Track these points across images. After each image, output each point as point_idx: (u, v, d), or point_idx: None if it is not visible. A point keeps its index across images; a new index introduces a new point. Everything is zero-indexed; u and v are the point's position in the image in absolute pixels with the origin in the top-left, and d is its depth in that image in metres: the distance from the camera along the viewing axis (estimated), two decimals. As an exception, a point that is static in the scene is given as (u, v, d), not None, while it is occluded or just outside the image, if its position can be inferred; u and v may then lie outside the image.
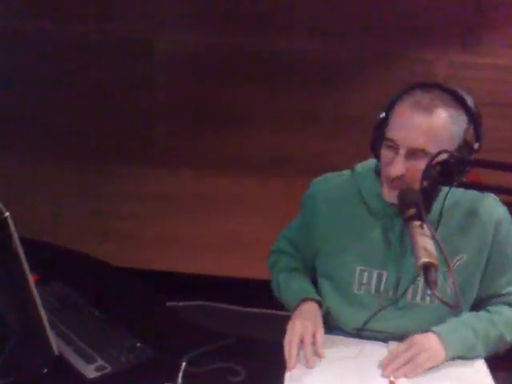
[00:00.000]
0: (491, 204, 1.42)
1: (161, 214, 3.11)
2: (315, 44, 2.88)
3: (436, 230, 1.34)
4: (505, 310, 1.43)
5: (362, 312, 1.45)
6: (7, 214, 0.98)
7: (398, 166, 1.28)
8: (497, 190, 1.44)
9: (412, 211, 1.09)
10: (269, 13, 2.86)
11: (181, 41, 2.95)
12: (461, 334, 1.34)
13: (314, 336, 1.34)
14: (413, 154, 1.28)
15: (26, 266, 1.02)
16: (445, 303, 1.05)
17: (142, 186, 3.09)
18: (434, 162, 1.11)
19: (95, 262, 1.76)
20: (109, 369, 1.23)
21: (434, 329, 1.34)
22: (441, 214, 1.33)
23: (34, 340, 1.12)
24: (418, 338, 1.32)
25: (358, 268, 1.45)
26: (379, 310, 1.42)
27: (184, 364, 1.14)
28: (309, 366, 1.28)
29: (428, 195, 1.10)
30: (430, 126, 1.27)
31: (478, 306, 1.46)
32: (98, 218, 3.10)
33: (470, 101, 1.32)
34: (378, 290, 1.44)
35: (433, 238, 1.04)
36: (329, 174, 1.56)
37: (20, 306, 1.10)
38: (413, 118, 1.28)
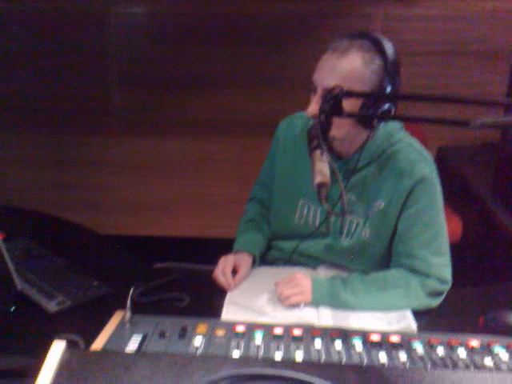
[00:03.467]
0: (418, 161, 1.50)
1: (125, 182, 3.27)
2: (260, 8, 3.02)
3: (359, 171, 1.52)
4: (409, 278, 1.48)
5: (300, 241, 1.65)
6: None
7: (312, 105, 1.44)
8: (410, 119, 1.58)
9: (315, 143, 1.26)
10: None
11: (132, 11, 3.07)
12: (334, 289, 1.45)
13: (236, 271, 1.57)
14: None
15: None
16: (329, 211, 1.22)
17: (103, 155, 3.23)
18: (329, 97, 1.26)
19: (56, 220, 1.93)
20: (68, 303, 1.41)
21: (316, 277, 1.50)
22: (359, 159, 1.49)
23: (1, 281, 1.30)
24: (298, 276, 1.48)
25: (301, 201, 1.64)
26: (305, 238, 1.63)
27: (132, 290, 1.32)
28: (229, 289, 1.51)
29: (326, 127, 1.26)
30: (341, 67, 1.39)
31: (395, 259, 1.55)
32: (63, 188, 3.24)
33: (389, 49, 1.41)
34: (314, 222, 1.63)
35: (329, 164, 1.22)
36: (297, 113, 1.71)
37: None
38: (328, 60, 1.43)
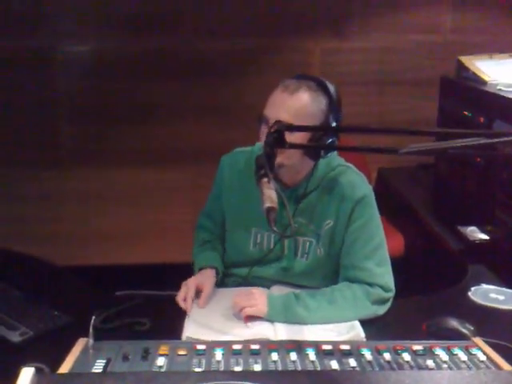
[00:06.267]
0: (357, 182, 1.68)
1: (81, 213, 3.28)
2: (206, 43, 3.15)
3: (306, 196, 1.66)
4: (355, 289, 1.60)
5: (256, 266, 1.74)
6: None
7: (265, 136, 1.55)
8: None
9: (262, 171, 1.37)
10: (161, 16, 3.11)
11: (79, 49, 3.15)
12: (288, 305, 1.55)
13: (200, 291, 1.65)
14: None
15: None
16: (277, 233, 1.34)
17: (56, 188, 3.25)
18: (272, 130, 1.38)
19: (13, 254, 1.96)
20: (31, 334, 1.45)
21: (271, 293, 1.61)
22: (307, 186, 1.65)
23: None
24: (255, 291, 1.60)
25: (253, 230, 1.74)
26: (260, 262, 1.73)
27: (93, 318, 1.36)
28: (188, 312, 1.58)
29: (272, 158, 1.38)
30: (292, 103, 1.56)
31: (342, 272, 1.68)
32: (17, 222, 3.22)
33: (332, 89, 1.60)
34: (268, 248, 1.73)
35: (276, 190, 1.33)
36: (236, 149, 1.85)
37: None
38: (280, 97, 1.58)
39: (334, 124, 1.60)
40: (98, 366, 1.26)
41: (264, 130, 1.58)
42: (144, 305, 1.64)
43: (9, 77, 3.10)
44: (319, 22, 3.18)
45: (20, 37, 3.07)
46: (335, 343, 1.38)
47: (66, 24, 3.13)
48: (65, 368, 1.24)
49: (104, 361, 1.28)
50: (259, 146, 1.70)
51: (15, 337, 1.43)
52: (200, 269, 1.75)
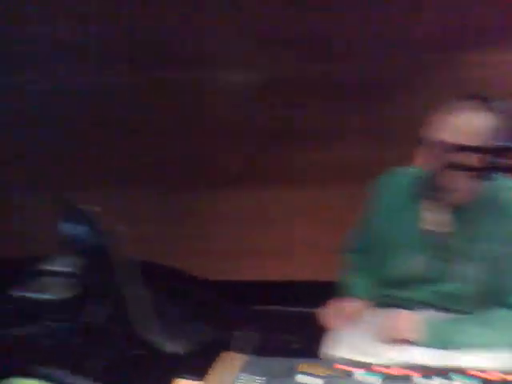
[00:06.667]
0: None
1: (230, 230, 3.35)
2: (356, 63, 3.08)
3: (472, 219, 1.58)
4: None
5: (407, 288, 1.69)
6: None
7: (427, 159, 1.51)
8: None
9: (428, 193, 1.35)
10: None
11: (233, 78, 3.29)
12: (442, 330, 1.50)
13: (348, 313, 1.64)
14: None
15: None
16: (436, 255, 1.24)
17: (209, 208, 3.38)
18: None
19: (165, 268, 2.10)
20: (185, 345, 1.54)
21: (423, 318, 1.53)
22: (474, 208, 1.56)
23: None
24: (404, 315, 1.55)
25: (407, 251, 1.67)
26: (411, 283, 1.67)
27: (237, 333, 1.40)
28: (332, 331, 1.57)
29: (439, 180, 1.37)
30: (458, 125, 1.49)
31: (503, 298, 1.56)
32: (175, 239, 3.40)
33: (500, 107, 1.51)
34: (421, 269, 1.65)
35: (440, 213, 1.27)
36: (394, 170, 1.80)
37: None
38: (446, 119, 1.52)
39: (506, 144, 1.49)
40: (243, 382, 1.28)
41: (427, 152, 1.53)
42: (288, 322, 1.65)
43: (170, 106, 3.32)
44: (499, 33, 2.90)
45: (182, 68, 3.27)
46: (495, 372, 1.26)
47: (226, 54, 3.22)
48: (211, 382, 1.28)
49: (249, 376, 1.29)
50: (419, 167, 1.63)
51: (167, 348, 1.52)
52: (352, 296, 1.74)
